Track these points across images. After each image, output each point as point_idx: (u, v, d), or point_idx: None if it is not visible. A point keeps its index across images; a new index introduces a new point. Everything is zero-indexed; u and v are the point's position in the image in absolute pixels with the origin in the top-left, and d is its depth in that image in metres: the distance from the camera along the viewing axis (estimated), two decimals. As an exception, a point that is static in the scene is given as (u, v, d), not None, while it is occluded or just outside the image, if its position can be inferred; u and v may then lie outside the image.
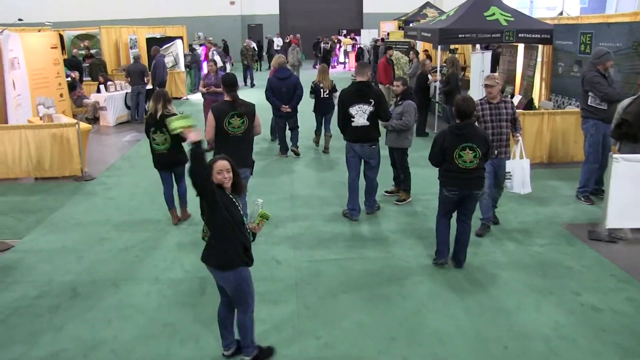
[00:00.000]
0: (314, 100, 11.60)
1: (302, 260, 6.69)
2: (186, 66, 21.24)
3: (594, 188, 8.74)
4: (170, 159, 7.53)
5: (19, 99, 12.18)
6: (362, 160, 7.82)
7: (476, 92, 10.48)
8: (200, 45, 24.40)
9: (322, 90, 11.40)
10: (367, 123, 7.50)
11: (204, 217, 4.49)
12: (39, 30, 13.82)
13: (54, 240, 7.35)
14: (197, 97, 19.97)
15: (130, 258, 6.82)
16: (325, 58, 25.12)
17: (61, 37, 19.75)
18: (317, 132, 12.10)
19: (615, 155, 6.93)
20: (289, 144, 11.62)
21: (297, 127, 11.56)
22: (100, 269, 6.54)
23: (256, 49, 26.57)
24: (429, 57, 15.64)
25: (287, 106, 10.91)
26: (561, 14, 27.73)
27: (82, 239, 7.38)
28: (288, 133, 11.59)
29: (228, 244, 4.34)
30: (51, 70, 13.76)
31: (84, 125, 10.28)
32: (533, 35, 12.70)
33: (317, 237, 7.34)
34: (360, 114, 7.48)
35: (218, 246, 4.36)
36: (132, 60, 16.14)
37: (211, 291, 5.77)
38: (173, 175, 7.74)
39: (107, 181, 9.98)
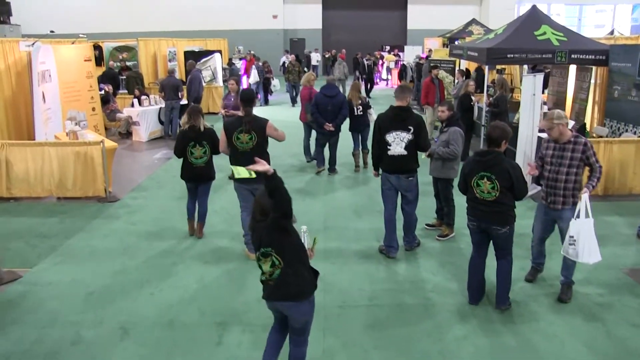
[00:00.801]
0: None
1: (332, 306, 6.01)
2: (224, 81, 20.89)
3: (659, 227, 7.91)
4: (204, 172, 7.64)
5: (49, 113, 11.86)
6: (400, 193, 7.15)
7: (526, 116, 9.70)
8: (240, 59, 24.10)
9: (354, 107, 11.09)
10: (405, 152, 6.84)
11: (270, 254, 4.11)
12: (73, 42, 13.53)
13: (65, 272, 6.82)
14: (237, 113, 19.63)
15: (144, 296, 6.25)
16: (369, 75, 24.51)
17: (100, 48, 19.77)
18: (355, 153, 11.64)
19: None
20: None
21: (336, 147, 11.20)
22: (109, 308, 5.97)
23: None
24: (466, 74, 14.93)
25: (331, 124, 10.66)
26: (612, 32, 26.82)
27: (95, 271, 6.85)
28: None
29: (305, 270, 4.20)
30: (84, 83, 13.47)
31: (109, 143, 9.84)
32: (587, 56, 11.88)
33: (349, 278, 6.66)
34: (397, 142, 6.83)
35: (295, 274, 4.11)
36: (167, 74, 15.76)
37: (228, 340, 5.27)
38: (197, 189, 7.82)
39: (132, 203, 9.49)
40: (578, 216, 5.71)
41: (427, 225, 8.24)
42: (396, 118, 6.85)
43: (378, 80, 28.94)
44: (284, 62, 26.10)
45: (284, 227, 4.07)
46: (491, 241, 5.80)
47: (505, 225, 5.58)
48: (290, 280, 4.10)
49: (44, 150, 9.34)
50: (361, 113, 11.18)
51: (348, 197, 9.95)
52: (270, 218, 4.04)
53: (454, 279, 6.60)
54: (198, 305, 6.04)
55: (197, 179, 7.71)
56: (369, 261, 7.10)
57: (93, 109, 13.82)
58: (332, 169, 11.36)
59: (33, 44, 11.45)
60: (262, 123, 6.84)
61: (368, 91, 23.90)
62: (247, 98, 6.91)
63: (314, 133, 11.60)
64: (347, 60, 30.61)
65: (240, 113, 7.11)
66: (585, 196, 5.71)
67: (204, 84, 19.23)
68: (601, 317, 5.78)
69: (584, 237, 5.70)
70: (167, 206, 9.32)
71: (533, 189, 8.37)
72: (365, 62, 24.57)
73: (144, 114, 14.71)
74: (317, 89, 11.46)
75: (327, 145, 11.20)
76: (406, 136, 6.79)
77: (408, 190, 7.07)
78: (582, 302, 6.05)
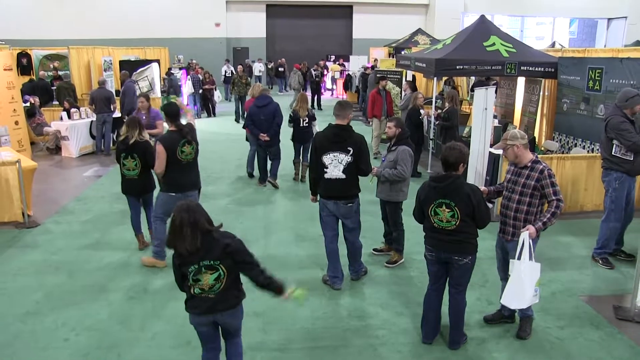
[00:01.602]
0: (292, 129, 11.25)
1: (272, 349, 5.35)
2: (163, 92, 20.01)
3: (613, 249, 7.55)
4: (140, 184, 7.50)
5: (-35, 128, 10.83)
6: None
7: (478, 131, 9.29)
8: (180, 68, 23.22)
9: (300, 119, 11.02)
10: (343, 176, 6.18)
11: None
12: (-8, 50, 12.46)
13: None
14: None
15: (57, 343, 5.44)
16: (316, 85, 24.00)
17: (29, 56, 18.62)
18: (296, 161, 11.53)
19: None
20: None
21: (279, 158, 11.18)
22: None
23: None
24: (413, 84, 14.57)
25: (265, 134, 10.52)
26: (553, 45, 27.08)
27: (2, 315, 5.97)
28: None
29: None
30: (4, 95, 12.34)
31: (27, 162, 8.94)
32: (536, 69, 11.73)
33: (291, 315, 5.98)
34: (335, 164, 6.18)
35: (235, 284, 4.26)
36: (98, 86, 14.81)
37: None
38: (141, 201, 7.71)
39: (54, 229, 8.59)
40: (519, 257, 5.08)
41: (374, 250, 7.67)
42: (335, 138, 6.19)
43: (323, 90, 28.47)
44: (225, 72, 25.27)
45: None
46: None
47: (467, 256, 5.03)
48: (232, 291, 4.22)
49: (-48, 170, 8.38)
50: (307, 125, 11.09)
51: (289, 217, 9.35)
52: (230, 251, 4.11)
53: (405, 313, 6.02)
54: (118, 351, 5.29)
55: (133, 191, 7.56)
56: (313, 294, 6.44)
57: (16, 123, 12.71)
58: (272, 179, 11.10)
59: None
60: (194, 130, 7.16)
61: (317, 102, 23.53)
62: (174, 112, 6.90)
63: None
64: (289, 70, 30.14)
65: (155, 132, 7.57)
66: (524, 234, 5.02)
67: (137, 96, 18.43)
68: (564, 353, 5.30)
69: (514, 279, 5.08)
70: (94, 231, 8.49)
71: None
72: (313, 73, 24.06)
73: (74, 127, 13.70)
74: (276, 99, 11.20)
75: (268, 157, 11.04)
76: (345, 158, 6.15)
77: (347, 218, 6.43)
78: (542, 337, 5.56)
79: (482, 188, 5.55)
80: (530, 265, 5.02)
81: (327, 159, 6.20)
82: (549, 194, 5.15)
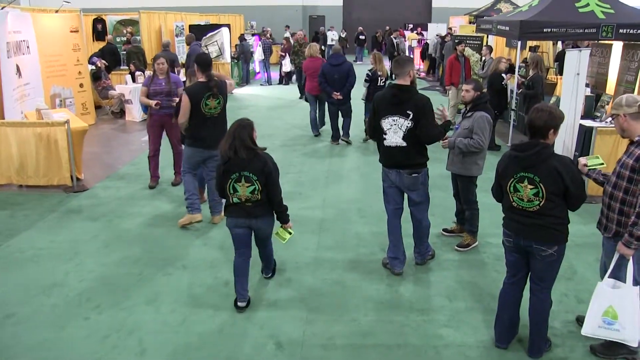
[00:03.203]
0: (367, 89, 11.14)
1: (313, 345, 4.59)
2: (233, 58, 19.51)
3: None
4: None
5: (26, 89, 10.54)
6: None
7: (568, 100, 8.18)
8: (253, 35, 22.67)
9: (379, 78, 10.90)
10: (404, 143, 5.32)
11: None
12: (57, 11, 12.15)
13: (-14, 284, 5.49)
14: (243, 92, 18.30)
15: (77, 322, 4.89)
16: (396, 53, 22.93)
17: (103, 21, 18.49)
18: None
19: None
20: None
21: (350, 115, 11.45)
22: (31, 336, 4.64)
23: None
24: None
25: (339, 93, 10.72)
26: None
27: (26, 285, 5.49)
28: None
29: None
30: (69, 57, 12.13)
31: (78, 124, 8.51)
32: (638, 31, 10.31)
33: (341, 302, 5.23)
34: (394, 130, 5.33)
35: (267, 200, 4.93)
36: (162, 48, 14.37)
37: None
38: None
39: (101, 194, 8.16)
40: (613, 274, 4.03)
41: (444, 230, 6.79)
42: (393, 99, 5.30)
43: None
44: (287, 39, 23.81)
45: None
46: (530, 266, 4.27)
47: (552, 245, 4.03)
48: (265, 203, 4.91)
49: (2, 130, 8.03)
50: (383, 84, 10.78)
51: (353, 186, 8.62)
52: (267, 175, 4.80)
53: (476, 308, 5.12)
54: (140, 335, 4.69)
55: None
56: (369, 278, 5.67)
57: (81, 85, 12.49)
58: (346, 138, 11.50)
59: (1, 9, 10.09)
60: (224, 85, 6.76)
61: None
62: (205, 62, 6.57)
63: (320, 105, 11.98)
64: (367, 39, 29.11)
65: (174, 101, 7.35)
66: (620, 250, 3.97)
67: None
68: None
69: (628, 310, 3.96)
70: (140, 199, 8.00)
71: None
72: (394, 40, 23.00)
73: (137, 91, 13.31)
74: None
75: (340, 114, 11.28)
76: (404, 123, 5.25)
77: (412, 190, 5.54)
78: None
79: (581, 160, 4.53)
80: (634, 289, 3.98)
81: (385, 123, 5.33)
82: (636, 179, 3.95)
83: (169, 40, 14.88)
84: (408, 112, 5.19)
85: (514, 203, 4.09)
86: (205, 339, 4.64)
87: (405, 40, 26.84)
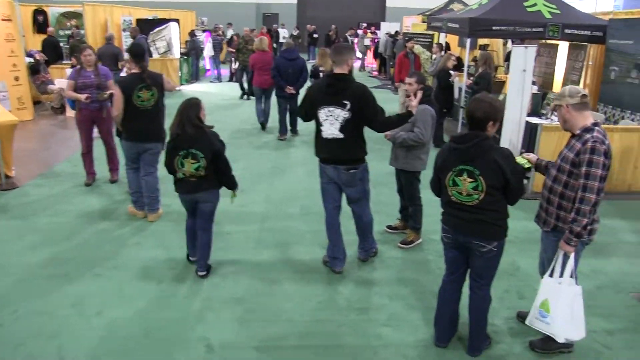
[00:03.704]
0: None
1: (247, 347, 4.35)
2: (183, 54, 19.08)
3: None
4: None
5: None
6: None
7: (514, 96, 8.15)
8: (204, 31, 22.26)
9: (321, 72, 10.88)
10: (341, 135, 5.05)
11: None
12: (-14, -2, 11.55)
13: None
14: (192, 89, 17.92)
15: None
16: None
17: (45, 13, 17.84)
18: None
19: None
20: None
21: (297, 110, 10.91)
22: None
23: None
24: (446, 49, 13.36)
25: (292, 88, 10.75)
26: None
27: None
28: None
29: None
30: (3, 47, 11.51)
31: (5, 117, 8.04)
32: (582, 32, 10.48)
33: (278, 302, 5.01)
34: (330, 121, 5.07)
35: (212, 176, 5.20)
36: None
37: None
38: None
39: (32, 192, 7.72)
40: (552, 273, 4.02)
41: (388, 227, 6.64)
42: (329, 89, 5.06)
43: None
44: (231, 37, 22.16)
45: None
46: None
47: (491, 241, 3.89)
48: (209, 178, 5.14)
49: None
50: None
51: (297, 182, 8.46)
52: (214, 153, 5.06)
53: (417, 307, 4.97)
54: (59, 342, 4.38)
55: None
56: (308, 277, 5.46)
57: (16, 79, 11.90)
58: (293, 131, 11.76)
59: None
60: (159, 77, 6.59)
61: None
62: (139, 52, 6.48)
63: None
64: (320, 38, 28.97)
65: (107, 93, 7.24)
66: (561, 247, 3.95)
67: (157, 55, 17.55)
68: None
69: (562, 306, 3.98)
70: (75, 198, 7.61)
71: None
72: (349, 38, 22.95)
73: (79, 86, 12.83)
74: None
75: (288, 108, 11.34)
76: (341, 114, 5.00)
77: (349, 186, 5.31)
78: (586, 343, 4.42)
79: (531, 155, 4.43)
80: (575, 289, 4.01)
81: (322, 114, 5.09)
82: (581, 174, 3.80)
83: (112, 33, 14.41)
84: (344, 102, 4.96)
85: (452, 197, 3.93)
86: (130, 344, 4.36)
87: (358, 39, 26.87)
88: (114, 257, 5.82)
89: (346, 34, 23.88)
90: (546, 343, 4.28)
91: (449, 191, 3.94)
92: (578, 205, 3.77)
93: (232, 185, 5.37)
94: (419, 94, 5.49)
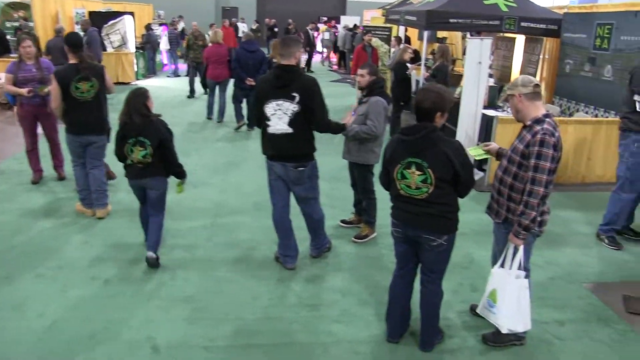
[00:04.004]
0: None
1: (195, 345, 4.21)
2: (138, 47, 18.69)
3: (622, 226, 6.47)
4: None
5: None
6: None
7: (470, 88, 8.13)
8: (160, 24, 21.87)
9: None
10: (290, 130, 4.88)
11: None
12: None
13: None
14: (148, 83, 17.55)
15: None
16: (311, 47, 22.92)
17: (-13, 3, 17.26)
18: None
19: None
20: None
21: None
22: None
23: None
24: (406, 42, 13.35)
25: (252, 79, 10.61)
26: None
27: None
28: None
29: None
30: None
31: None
32: (538, 26, 10.53)
33: (227, 300, 4.86)
34: (279, 115, 4.89)
35: (159, 162, 5.28)
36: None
37: None
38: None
39: (-27, 190, 7.42)
40: (502, 264, 4.03)
41: (342, 222, 6.55)
42: (277, 82, 4.88)
43: (314, 52, 27.28)
44: (182, 30, 21.90)
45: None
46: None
47: (441, 235, 3.81)
48: (156, 164, 5.24)
49: None
50: None
51: (251, 177, 8.27)
52: (160, 141, 5.18)
53: (370, 302, 4.88)
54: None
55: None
56: (259, 275, 5.32)
57: (-44, 73, 11.50)
58: (250, 125, 11.52)
59: None
60: (100, 68, 6.44)
61: (307, 63, 22.22)
62: (76, 42, 6.27)
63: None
64: (280, 32, 28.78)
65: (48, 88, 6.73)
66: (510, 240, 3.95)
67: (111, 49, 17.15)
68: (566, 357, 4.21)
69: (508, 296, 3.99)
70: (19, 195, 7.34)
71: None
72: (310, 33, 22.82)
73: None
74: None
75: (246, 101, 11.35)
76: (290, 107, 4.85)
77: (297, 184, 5.16)
78: (538, 335, 4.43)
79: (492, 145, 4.37)
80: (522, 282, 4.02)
81: (269, 108, 4.90)
82: (530, 167, 3.74)
83: (62, 25, 13.99)
84: (293, 94, 4.80)
85: (401, 191, 3.83)
86: (72, 346, 4.17)
87: (318, 33, 26.76)
88: (59, 257, 5.59)
89: (307, 28, 23.74)
90: (498, 336, 4.24)
91: (397, 184, 3.84)
92: (526, 198, 3.73)
93: (179, 174, 5.46)
94: (352, 118, 5.61)
